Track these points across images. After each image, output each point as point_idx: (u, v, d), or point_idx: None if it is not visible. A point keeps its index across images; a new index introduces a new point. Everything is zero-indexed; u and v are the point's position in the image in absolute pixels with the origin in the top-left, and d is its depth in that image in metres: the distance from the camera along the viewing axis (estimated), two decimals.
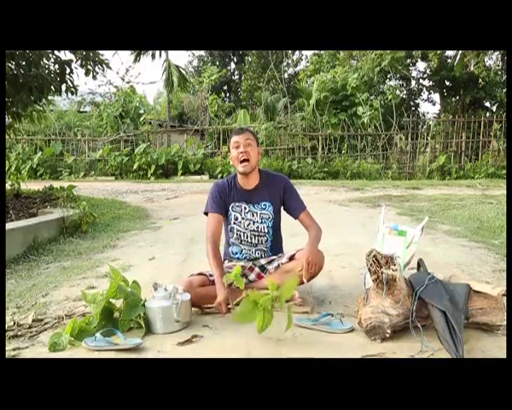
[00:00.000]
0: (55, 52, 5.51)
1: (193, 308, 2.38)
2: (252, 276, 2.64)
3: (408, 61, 18.60)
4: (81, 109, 17.79)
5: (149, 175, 12.49)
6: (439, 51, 16.39)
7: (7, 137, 7.23)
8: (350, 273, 3.09)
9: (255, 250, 2.66)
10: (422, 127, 13.99)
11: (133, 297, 2.26)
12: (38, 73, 5.20)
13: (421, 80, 21.02)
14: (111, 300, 2.27)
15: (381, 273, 2.01)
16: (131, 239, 4.61)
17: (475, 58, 14.71)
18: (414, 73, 20.72)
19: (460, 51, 15.13)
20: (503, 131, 12.74)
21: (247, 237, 2.65)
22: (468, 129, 13.21)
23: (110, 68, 6.13)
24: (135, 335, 2.14)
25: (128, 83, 16.05)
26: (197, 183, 11.09)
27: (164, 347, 2.03)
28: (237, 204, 2.65)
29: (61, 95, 5.91)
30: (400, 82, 20.49)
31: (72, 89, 5.81)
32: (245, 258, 2.67)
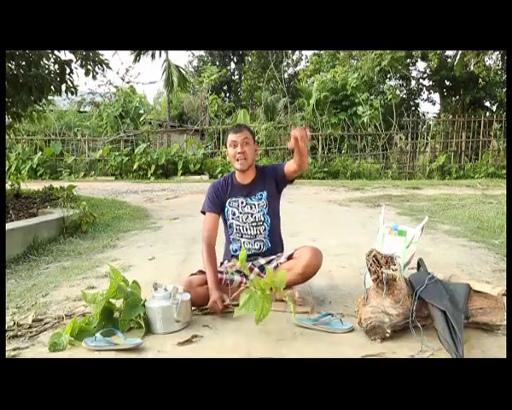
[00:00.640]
0: (55, 52, 5.51)
1: (193, 307, 2.38)
2: (251, 276, 2.63)
3: (408, 60, 18.60)
4: (81, 109, 17.80)
5: (149, 175, 12.49)
6: (438, 51, 16.40)
7: (7, 137, 7.23)
8: (350, 273, 3.09)
9: (254, 242, 2.65)
10: (422, 127, 14.01)
11: (133, 297, 2.26)
12: (38, 73, 5.20)
13: (421, 80, 21.02)
14: (111, 300, 2.27)
15: (381, 273, 2.01)
16: (131, 239, 4.61)
17: (475, 58, 14.71)
18: (414, 73, 20.75)
19: (460, 51, 15.12)
20: (503, 131, 12.74)
21: (246, 230, 2.66)
22: (468, 129, 13.22)
23: (110, 68, 6.14)
24: (135, 335, 2.14)
25: (128, 83, 16.07)
26: (197, 183, 11.09)
27: (164, 347, 2.03)
28: (234, 199, 2.68)
29: (60, 95, 5.91)
30: (400, 82, 20.49)
31: (72, 89, 5.81)
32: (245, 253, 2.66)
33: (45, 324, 2.33)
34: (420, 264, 2.46)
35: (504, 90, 17.32)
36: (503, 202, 6.63)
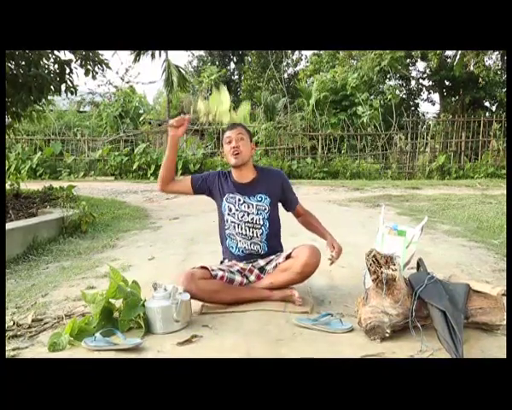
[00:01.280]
0: (55, 52, 5.51)
1: (192, 307, 2.38)
2: (252, 277, 2.64)
3: (407, 60, 18.59)
4: (81, 109, 17.80)
5: (149, 175, 12.48)
6: (438, 51, 16.40)
7: (6, 136, 7.23)
8: (349, 273, 3.09)
9: (250, 243, 2.64)
10: (422, 127, 14.01)
11: (133, 297, 2.26)
12: (38, 73, 5.20)
13: (420, 80, 21.01)
14: (111, 300, 2.27)
15: (381, 273, 2.02)
16: (131, 239, 4.61)
17: (475, 58, 14.71)
18: (413, 73, 20.73)
19: (460, 51, 15.13)
20: (502, 131, 12.74)
21: (241, 229, 2.63)
22: (468, 129, 13.22)
23: (110, 68, 6.13)
24: (134, 335, 2.14)
25: (128, 83, 16.04)
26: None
27: (163, 347, 2.03)
28: (231, 196, 2.65)
29: (60, 95, 5.91)
30: (400, 82, 20.47)
31: (72, 89, 5.81)
32: (241, 252, 2.66)
33: (45, 324, 2.33)
34: (419, 264, 2.46)
35: (504, 90, 17.32)
36: (502, 202, 6.63)
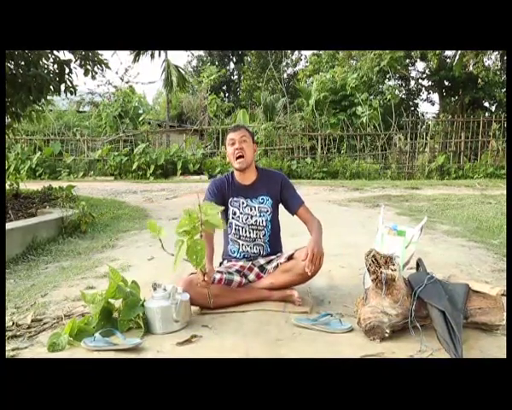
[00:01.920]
0: (54, 52, 5.50)
1: (192, 307, 2.38)
2: (251, 276, 2.63)
3: (407, 61, 18.59)
4: (80, 109, 17.80)
5: (148, 175, 12.49)
6: (438, 51, 16.41)
7: (6, 137, 7.22)
8: (349, 273, 3.09)
9: (253, 245, 2.65)
10: (421, 127, 14.00)
11: (132, 297, 2.26)
12: (37, 73, 5.20)
13: (420, 80, 21.01)
14: (110, 300, 2.27)
15: (380, 273, 2.02)
16: (131, 239, 4.61)
17: (474, 58, 14.72)
18: (413, 73, 20.73)
19: (459, 51, 15.13)
20: (502, 131, 12.75)
21: (245, 232, 2.64)
22: (467, 129, 13.23)
23: (109, 68, 6.13)
24: (134, 335, 2.14)
25: (127, 83, 16.05)
26: (196, 183, 11.08)
27: (163, 347, 2.03)
28: (235, 199, 2.66)
29: (60, 95, 5.90)
30: (399, 82, 20.47)
31: (72, 89, 5.80)
32: (243, 257, 2.67)
33: (44, 324, 2.33)
34: (419, 264, 2.46)
35: (503, 90, 17.34)
36: (502, 202, 6.63)
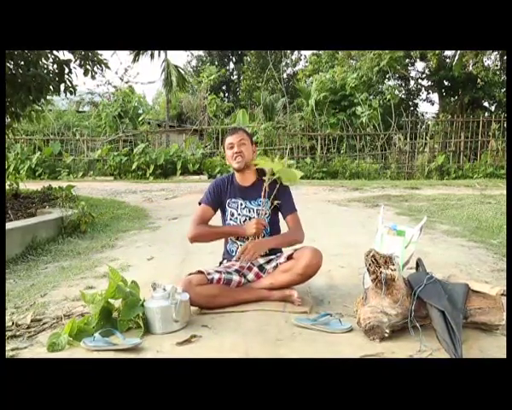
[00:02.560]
0: (54, 52, 5.50)
1: (192, 307, 2.38)
2: (250, 275, 2.63)
3: (407, 61, 18.58)
4: (80, 109, 17.78)
5: (148, 175, 12.48)
6: (437, 51, 16.41)
7: (5, 136, 7.22)
8: (349, 273, 3.09)
9: None
10: (421, 127, 14.00)
11: (132, 297, 2.26)
12: (37, 73, 5.19)
13: (419, 80, 21.01)
14: (110, 300, 2.26)
15: (380, 273, 2.02)
16: (130, 239, 4.61)
17: (474, 58, 14.72)
18: (413, 73, 20.71)
19: (459, 51, 15.13)
20: (501, 131, 12.75)
21: None
22: (467, 129, 13.23)
23: (109, 68, 6.12)
24: (134, 335, 2.14)
25: (127, 83, 16.01)
26: (196, 183, 11.08)
27: (163, 347, 2.03)
28: (233, 200, 2.68)
29: (59, 95, 5.90)
30: (399, 82, 20.46)
31: (71, 89, 5.80)
32: None
33: (44, 324, 2.33)
34: (419, 264, 2.46)
35: (503, 90, 17.34)
36: (501, 202, 6.64)
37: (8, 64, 5.03)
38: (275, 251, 2.70)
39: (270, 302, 2.52)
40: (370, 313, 2.04)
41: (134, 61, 17.06)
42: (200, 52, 27.95)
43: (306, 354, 1.90)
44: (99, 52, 5.92)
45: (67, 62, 5.58)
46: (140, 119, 15.44)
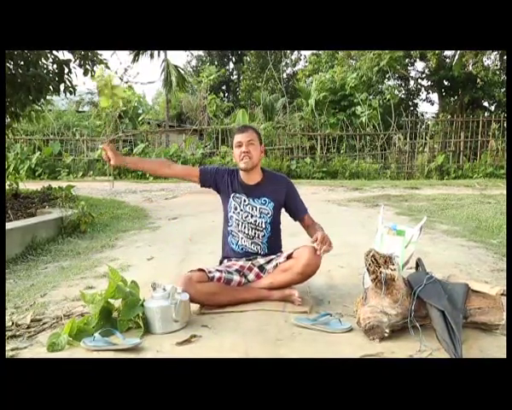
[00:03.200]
0: (54, 52, 5.49)
1: (192, 307, 2.38)
2: (251, 276, 2.63)
3: (406, 60, 18.59)
4: (79, 109, 17.80)
5: (148, 175, 12.47)
6: (437, 51, 16.40)
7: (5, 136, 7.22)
8: (349, 273, 3.09)
9: (251, 243, 2.66)
10: (421, 127, 14.00)
11: (132, 297, 2.26)
12: (37, 73, 5.19)
13: (419, 80, 21.01)
14: (110, 300, 2.26)
15: (380, 273, 2.02)
16: (130, 239, 4.61)
17: (474, 58, 14.72)
18: (412, 73, 20.70)
19: (459, 51, 15.14)
20: (501, 131, 12.75)
21: (244, 228, 2.65)
22: (467, 129, 13.23)
23: (109, 68, 6.13)
24: (133, 335, 2.14)
25: (126, 83, 16.00)
26: (196, 183, 11.06)
27: (162, 347, 2.03)
28: (238, 195, 2.68)
29: (59, 95, 5.90)
30: (399, 82, 20.46)
31: (71, 89, 5.80)
32: (241, 249, 2.67)
33: (44, 324, 2.33)
34: (418, 264, 2.46)
35: (503, 90, 17.34)
36: (501, 201, 6.64)
37: (8, 64, 5.02)
38: (274, 252, 2.70)
39: (269, 302, 2.52)
40: (370, 312, 2.04)
41: (134, 60, 17.05)
42: (200, 52, 27.95)
43: (306, 354, 1.90)
44: (99, 52, 5.92)
45: (67, 62, 5.58)
46: (140, 119, 15.46)
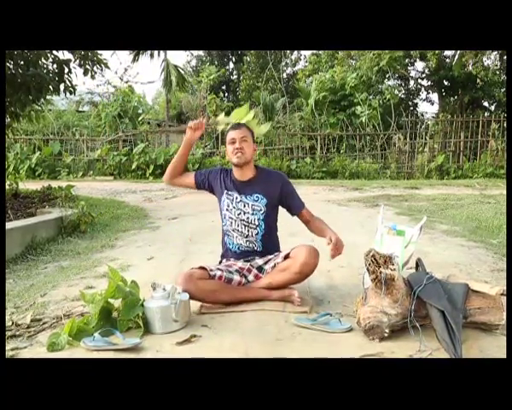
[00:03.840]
0: (54, 52, 5.50)
1: (191, 307, 2.38)
2: (250, 277, 2.63)
3: (406, 60, 18.57)
4: (79, 109, 17.77)
5: (148, 175, 12.47)
6: (437, 51, 16.40)
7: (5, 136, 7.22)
8: (348, 273, 3.09)
9: (246, 241, 2.66)
10: (421, 127, 13.98)
11: (132, 297, 2.26)
12: (37, 73, 5.19)
13: (419, 80, 21.00)
14: (109, 300, 2.27)
15: (380, 273, 2.02)
16: (130, 239, 4.61)
17: (474, 58, 14.71)
18: (412, 73, 20.69)
19: (458, 51, 15.14)
20: (501, 131, 12.75)
21: (237, 226, 2.65)
22: (467, 129, 13.22)
23: (108, 68, 6.12)
24: (133, 335, 2.14)
25: (126, 82, 15.96)
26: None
27: (162, 347, 2.03)
28: (230, 193, 2.69)
29: (59, 94, 5.90)
30: (399, 82, 20.45)
31: (71, 88, 5.80)
32: (238, 249, 2.67)
33: (43, 324, 2.33)
34: (418, 264, 2.47)
35: (503, 90, 17.34)
36: (501, 201, 6.64)
37: (8, 64, 5.02)
38: (270, 251, 2.69)
39: (269, 302, 2.52)
40: (370, 312, 2.04)
41: (134, 60, 17.02)
42: (200, 52, 27.90)
43: (306, 354, 1.90)
44: (99, 52, 5.92)
45: (67, 62, 5.58)
46: (140, 118, 15.43)
